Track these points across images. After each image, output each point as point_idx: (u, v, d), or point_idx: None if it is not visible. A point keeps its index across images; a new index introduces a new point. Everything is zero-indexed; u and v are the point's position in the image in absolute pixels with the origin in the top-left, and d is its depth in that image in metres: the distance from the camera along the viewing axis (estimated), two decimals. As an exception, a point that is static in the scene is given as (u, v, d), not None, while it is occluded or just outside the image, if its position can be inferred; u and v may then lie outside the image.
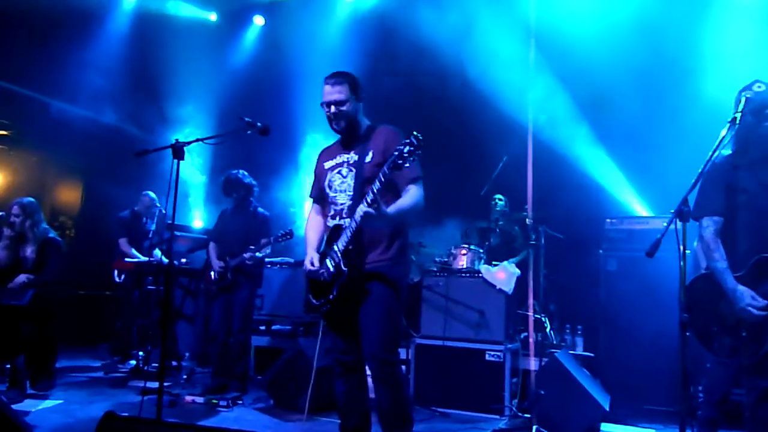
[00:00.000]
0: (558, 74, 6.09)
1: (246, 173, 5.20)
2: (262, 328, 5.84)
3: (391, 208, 2.75)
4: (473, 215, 5.93)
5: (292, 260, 6.03)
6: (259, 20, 7.55)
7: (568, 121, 6.09)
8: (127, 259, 5.90)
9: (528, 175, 5.40)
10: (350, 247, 2.80)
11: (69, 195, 8.14)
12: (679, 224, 2.51)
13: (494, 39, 6.10)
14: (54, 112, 6.89)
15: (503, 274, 4.97)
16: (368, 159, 2.92)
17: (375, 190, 2.64)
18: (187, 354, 5.98)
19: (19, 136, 7.46)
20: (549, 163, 5.74)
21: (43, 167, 7.78)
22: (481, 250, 5.46)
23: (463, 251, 5.41)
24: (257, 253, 4.93)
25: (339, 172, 3.02)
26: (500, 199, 5.88)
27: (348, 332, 2.96)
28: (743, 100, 2.71)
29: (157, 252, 5.80)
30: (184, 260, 6.19)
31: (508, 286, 4.92)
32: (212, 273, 5.12)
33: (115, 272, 5.94)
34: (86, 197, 8.02)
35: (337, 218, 2.96)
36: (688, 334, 2.57)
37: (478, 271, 5.01)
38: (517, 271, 5.02)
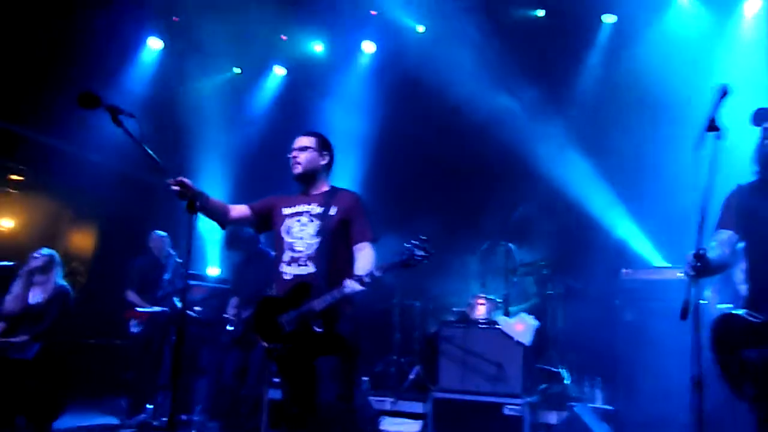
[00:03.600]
0: (574, 126, 6.21)
1: None
2: (276, 380, 5.75)
3: (365, 275, 2.93)
4: (491, 264, 5.94)
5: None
6: (279, 71, 7.74)
7: (583, 171, 6.18)
8: (139, 309, 5.86)
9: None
10: (326, 311, 2.94)
11: (82, 240, 8.14)
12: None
13: (510, 88, 6.24)
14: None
15: (521, 326, 4.94)
16: (333, 213, 3.16)
17: (374, 274, 2.87)
18: (198, 407, 5.88)
19: (33, 182, 7.52)
20: (567, 213, 5.80)
21: (57, 212, 7.82)
22: (499, 300, 5.46)
23: (481, 301, 5.40)
24: None
25: (298, 220, 3.19)
26: (513, 249, 5.90)
27: (295, 381, 3.09)
28: (761, 130, 2.74)
29: (176, 300, 5.78)
30: (198, 308, 6.16)
31: (527, 338, 4.87)
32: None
33: (131, 323, 5.89)
34: (100, 243, 8.03)
35: (294, 265, 3.11)
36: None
37: (497, 322, 4.98)
38: (536, 323, 4.99)
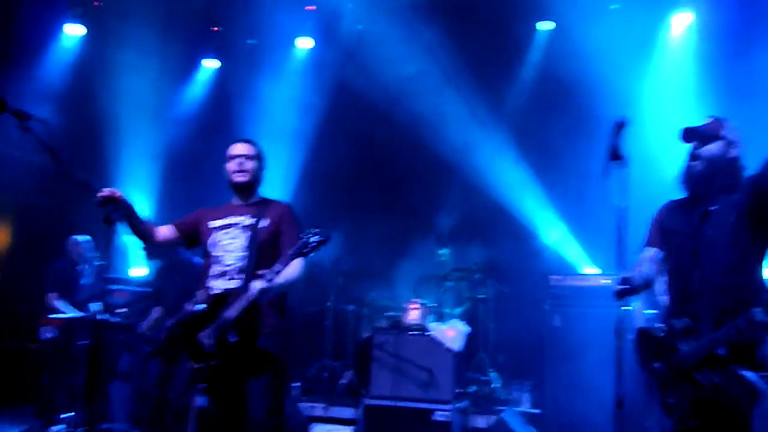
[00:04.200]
0: (510, 131, 6.27)
1: None
2: (202, 386, 5.58)
3: (281, 279, 2.88)
4: (425, 269, 5.95)
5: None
6: (210, 63, 7.37)
7: (517, 176, 6.26)
8: (53, 315, 5.53)
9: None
10: (240, 319, 2.88)
11: (-5, 237, 7.61)
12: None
13: (446, 93, 6.21)
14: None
15: (453, 332, 4.97)
16: (264, 224, 3.10)
17: (277, 271, 2.81)
18: (120, 415, 5.63)
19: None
20: (501, 217, 5.86)
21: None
22: (433, 305, 5.47)
23: (415, 306, 5.42)
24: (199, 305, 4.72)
25: (227, 233, 3.12)
26: (447, 254, 5.93)
27: (223, 398, 3.03)
28: (690, 148, 2.78)
29: (96, 305, 5.49)
30: (122, 310, 5.89)
31: (457, 344, 4.92)
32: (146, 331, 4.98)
33: (43, 329, 5.54)
34: (15, 240, 7.51)
35: (223, 279, 3.04)
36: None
37: (429, 328, 5.00)
38: (467, 329, 5.04)
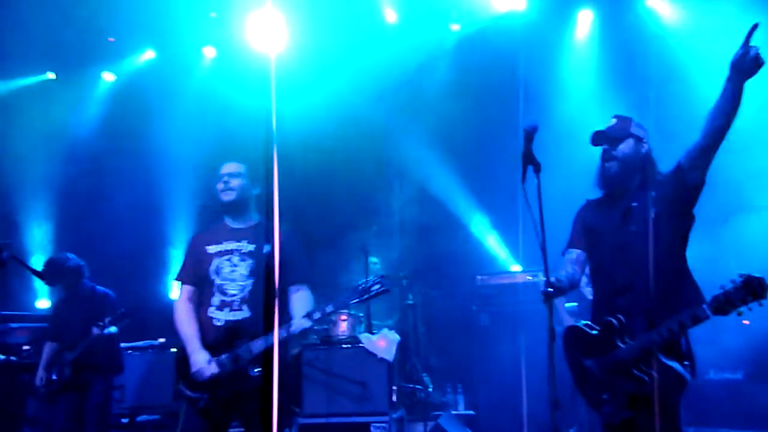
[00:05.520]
0: (427, 131, 6.26)
1: (72, 255, 4.73)
2: (125, 421, 5.28)
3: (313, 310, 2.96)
4: (352, 278, 5.85)
5: (156, 342, 5.54)
6: (108, 76, 6.90)
7: (441, 179, 6.27)
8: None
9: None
10: (263, 352, 2.85)
11: None
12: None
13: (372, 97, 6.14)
14: None
15: (384, 342, 4.90)
16: (267, 250, 2.95)
17: (326, 310, 2.87)
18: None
19: None
20: (427, 221, 5.85)
21: None
22: (362, 314, 5.39)
23: (343, 317, 5.31)
24: (107, 329, 4.38)
25: (229, 260, 3.07)
26: (375, 262, 5.87)
27: (220, 425, 3.03)
28: (601, 151, 2.82)
29: None
30: (26, 347, 5.44)
31: (389, 355, 4.85)
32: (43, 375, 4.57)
33: None
34: None
35: (227, 309, 3.00)
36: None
37: (359, 340, 4.91)
38: (397, 338, 4.99)
